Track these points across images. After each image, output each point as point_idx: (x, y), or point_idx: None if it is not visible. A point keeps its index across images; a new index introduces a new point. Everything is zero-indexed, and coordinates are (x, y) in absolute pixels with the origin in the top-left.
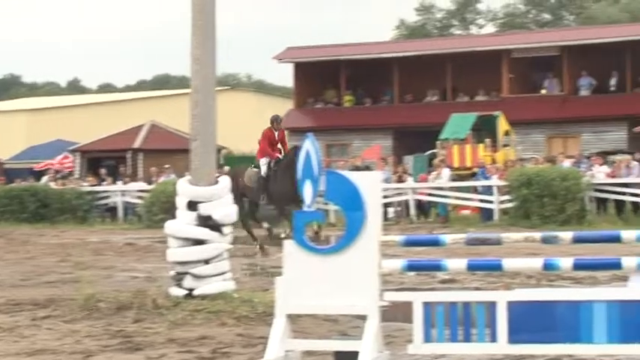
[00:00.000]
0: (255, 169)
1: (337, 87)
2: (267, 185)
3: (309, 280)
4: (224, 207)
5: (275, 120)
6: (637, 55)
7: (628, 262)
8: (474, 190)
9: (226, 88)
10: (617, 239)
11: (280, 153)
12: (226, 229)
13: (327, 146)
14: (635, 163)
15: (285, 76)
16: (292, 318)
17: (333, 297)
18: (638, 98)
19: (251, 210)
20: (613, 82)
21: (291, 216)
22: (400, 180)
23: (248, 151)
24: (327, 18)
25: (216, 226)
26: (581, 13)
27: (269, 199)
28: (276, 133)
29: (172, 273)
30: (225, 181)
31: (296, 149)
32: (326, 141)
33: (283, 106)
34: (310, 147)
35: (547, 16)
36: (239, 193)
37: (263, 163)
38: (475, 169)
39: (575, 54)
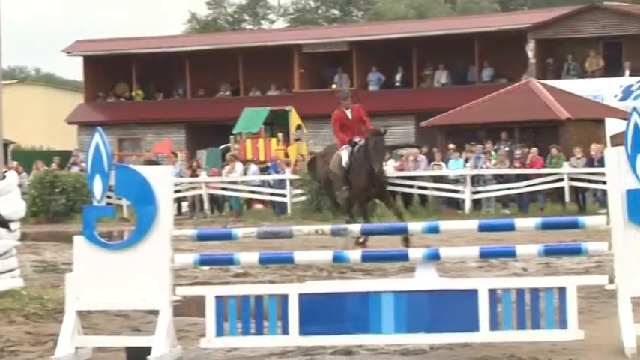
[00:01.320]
0: (342, 153)
1: (128, 81)
2: (348, 177)
3: (100, 276)
4: (12, 203)
5: (341, 96)
6: (422, 51)
7: (414, 253)
8: (268, 184)
9: (13, 81)
10: (404, 231)
11: (360, 134)
12: (14, 225)
13: (119, 140)
14: (423, 156)
15: (75, 69)
16: (83, 314)
17: (125, 292)
18: (423, 93)
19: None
20: (398, 77)
21: (349, 211)
22: (194, 174)
23: (37, 146)
24: (119, 11)
25: (3, 223)
26: (370, 9)
27: (350, 193)
28: (348, 112)
29: None
30: (13, 176)
31: (370, 134)
32: (118, 135)
33: (74, 100)
34: (100, 141)
35: (336, 12)
36: (326, 179)
37: (345, 152)
38: (268, 164)
39: (364, 50)
